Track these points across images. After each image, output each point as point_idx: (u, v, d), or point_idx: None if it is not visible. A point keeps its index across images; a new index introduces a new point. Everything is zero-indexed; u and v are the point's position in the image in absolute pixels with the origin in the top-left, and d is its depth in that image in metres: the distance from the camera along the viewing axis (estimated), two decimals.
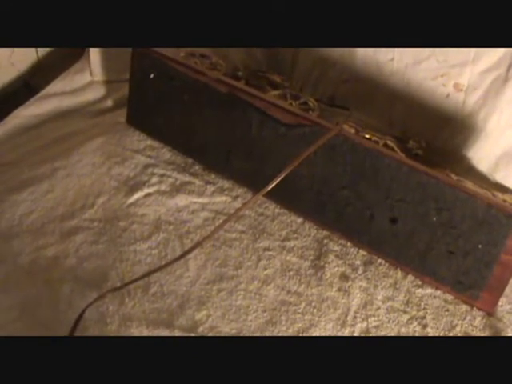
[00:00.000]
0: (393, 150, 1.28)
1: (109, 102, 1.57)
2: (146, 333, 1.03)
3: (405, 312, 1.12)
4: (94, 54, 1.61)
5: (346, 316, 1.10)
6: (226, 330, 1.05)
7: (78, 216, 1.22)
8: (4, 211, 1.21)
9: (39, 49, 1.64)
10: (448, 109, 1.38)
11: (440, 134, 1.41)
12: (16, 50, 1.56)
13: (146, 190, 1.28)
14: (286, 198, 1.25)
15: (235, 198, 1.29)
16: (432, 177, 1.09)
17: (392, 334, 1.08)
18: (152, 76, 1.33)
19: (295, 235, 1.22)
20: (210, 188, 1.30)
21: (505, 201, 1.15)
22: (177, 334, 1.03)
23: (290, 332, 1.06)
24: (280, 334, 1.05)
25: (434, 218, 1.10)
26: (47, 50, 1.67)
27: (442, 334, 1.08)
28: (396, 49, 1.39)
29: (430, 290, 1.15)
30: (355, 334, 1.07)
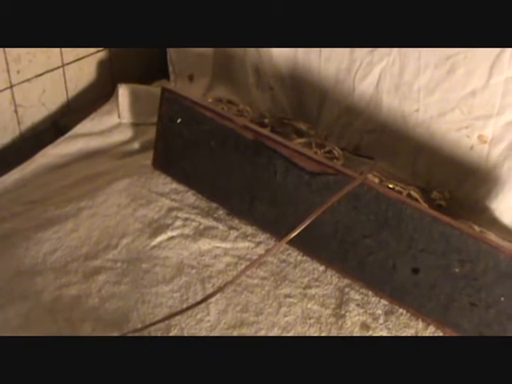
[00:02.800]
0: (416, 200, 1.30)
1: (135, 145, 1.59)
2: None
3: None
4: (123, 96, 1.64)
5: None
6: None
7: (102, 256, 1.23)
8: (29, 248, 1.23)
9: (69, 90, 1.67)
10: (472, 160, 1.39)
11: (463, 185, 1.41)
12: (46, 90, 1.59)
13: (170, 233, 1.29)
14: (308, 245, 1.25)
15: (258, 243, 1.29)
16: (455, 228, 1.09)
17: None
18: (179, 120, 1.35)
19: (317, 283, 1.22)
20: (234, 233, 1.31)
21: None
22: None
23: None
24: None
25: (457, 270, 1.10)
26: (77, 91, 1.70)
27: None
28: (421, 100, 1.40)
29: None
30: None
